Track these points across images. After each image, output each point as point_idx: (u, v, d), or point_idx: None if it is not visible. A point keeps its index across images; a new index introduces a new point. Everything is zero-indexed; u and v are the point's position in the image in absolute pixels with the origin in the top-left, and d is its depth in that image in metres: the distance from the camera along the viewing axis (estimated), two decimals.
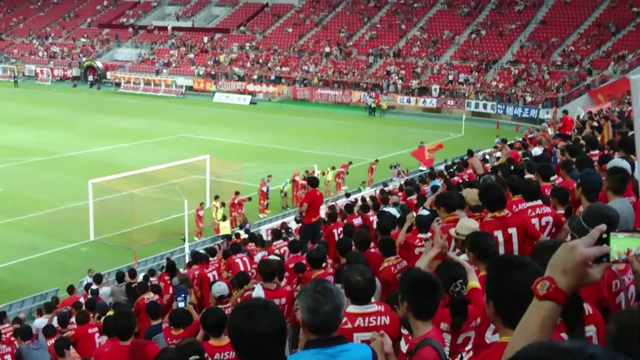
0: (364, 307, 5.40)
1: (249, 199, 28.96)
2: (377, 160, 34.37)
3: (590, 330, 3.99)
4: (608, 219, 4.91)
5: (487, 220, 7.23)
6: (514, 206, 7.99)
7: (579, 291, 2.97)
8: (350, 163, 33.98)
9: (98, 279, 18.81)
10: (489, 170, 16.40)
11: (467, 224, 6.75)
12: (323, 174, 31.56)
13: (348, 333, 5.25)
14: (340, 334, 3.74)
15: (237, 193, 28.82)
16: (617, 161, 7.76)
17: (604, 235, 2.40)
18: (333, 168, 32.86)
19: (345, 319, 3.88)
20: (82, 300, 16.45)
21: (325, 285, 3.74)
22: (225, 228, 26.10)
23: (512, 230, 7.05)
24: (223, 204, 28.06)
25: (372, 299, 5.58)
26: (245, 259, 14.13)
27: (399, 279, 5.20)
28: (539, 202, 8.03)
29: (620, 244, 2.39)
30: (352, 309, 5.26)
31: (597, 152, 11.85)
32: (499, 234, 6.93)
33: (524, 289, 2.64)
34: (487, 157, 26.42)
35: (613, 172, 6.40)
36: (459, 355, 4.80)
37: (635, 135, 4.65)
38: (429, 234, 8.20)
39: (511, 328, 2.79)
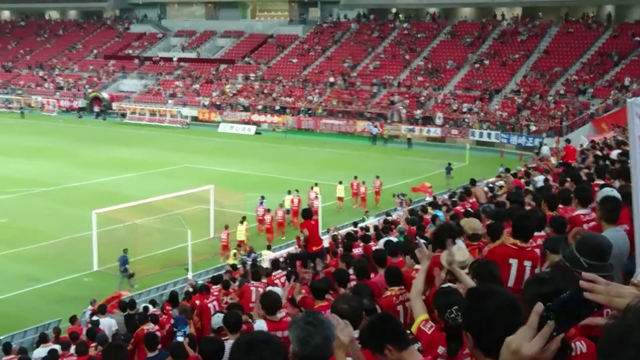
0: None
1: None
2: (363, 183, 36.40)
3: None
4: (600, 247, 4.89)
5: (507, 246, 7.16)
6: None
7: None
8: (364, 183, 36.20)
9: (102, 309, 18.68)
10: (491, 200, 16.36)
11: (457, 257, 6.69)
12: (340, 183, 35.72)
13: None
14: None
15: (226, 227, 28.95)
16: (607, 190, 7.72)
17: (544, 313, 2.26)
18: (340, 182, 35.61)
19: None
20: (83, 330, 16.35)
21: (316, 317, 3.71)
22: (231, 257, 26.09)
23: (528, 264, 6.99)
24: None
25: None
26: (260, 288, 13.95)
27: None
28: (542, 233, 7.98)
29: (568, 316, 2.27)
30: None
31: (601, 182, 11.64)
32: (514, 262, 6.88)
33: (497, 317, 2.60)
34: (491, 185, 26.39)
35: (604, 202, 6.39)
36: None
37: (630, 157, 4.61)
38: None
39: (492, 359, 2.76)
